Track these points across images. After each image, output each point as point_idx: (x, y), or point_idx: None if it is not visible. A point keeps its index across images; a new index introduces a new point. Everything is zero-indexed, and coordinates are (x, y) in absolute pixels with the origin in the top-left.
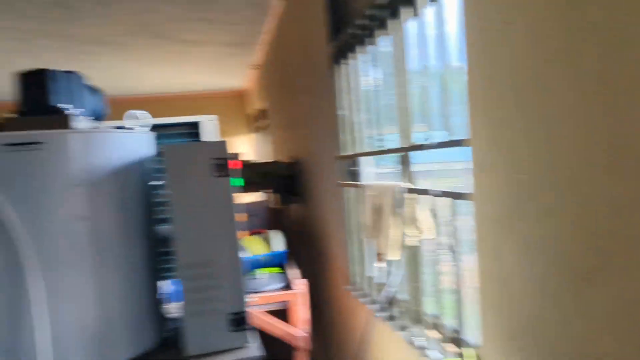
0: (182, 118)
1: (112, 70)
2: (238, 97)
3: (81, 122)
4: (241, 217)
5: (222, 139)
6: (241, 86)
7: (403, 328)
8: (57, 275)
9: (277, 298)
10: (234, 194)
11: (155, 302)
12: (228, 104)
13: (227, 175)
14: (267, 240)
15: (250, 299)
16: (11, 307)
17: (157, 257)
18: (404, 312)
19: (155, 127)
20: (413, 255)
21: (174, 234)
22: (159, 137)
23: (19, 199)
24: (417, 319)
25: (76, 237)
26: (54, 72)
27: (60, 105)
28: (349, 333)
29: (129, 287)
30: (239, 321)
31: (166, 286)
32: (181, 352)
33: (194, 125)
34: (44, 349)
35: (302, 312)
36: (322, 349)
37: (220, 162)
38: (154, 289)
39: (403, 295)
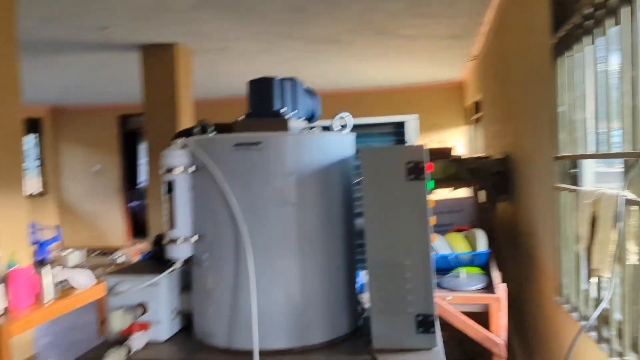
0: (386, 118)
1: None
2: (456, 89)
3: (296, 123)
4: (433, 220)
5: (420, 143)
6: (459, 78)
7: (618, 354)
8: (268, 258)
9: (476, 300)
10: (428, 197)
11: (352, 291)
12: (445, 96)
13: (422, 179)
14: (470, 239)
15: (448, 297)
16: (235, 279)
17: (355, 248)
18: (619, 335)
19: (359, 127)
20: (635, 274)
21: (365, 232)
22: (363, 137)
23: (241, 190)
24: (636, 345)
25: (286, 225)
26: (277, 79)
27: (280, 110)
28: (552, 347)
29: (329, 272)
30: (427, 324)
31: (361, 277)
32: (369, 344)
33: (399, 125)
34: (254, 321)
35: (500, 318)
36: (519, 358)
37: (416, 166)
38: (351, 279)
39: (619, 316)
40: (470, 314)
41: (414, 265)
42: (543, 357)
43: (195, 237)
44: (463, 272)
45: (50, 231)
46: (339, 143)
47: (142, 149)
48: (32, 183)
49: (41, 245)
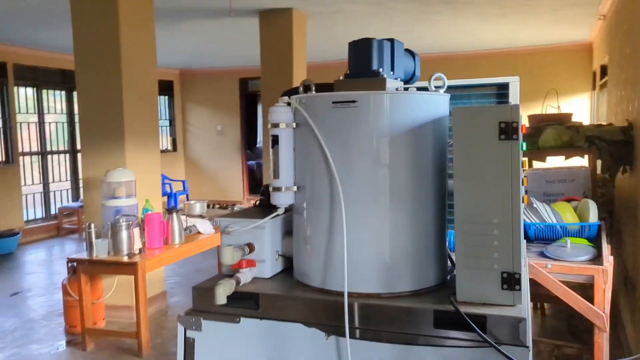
0: (487, 79)
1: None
2: (582, 51)
3: (394, 83)
4: (524, 181)
5: (516, 103)
6: (586, 39)
7: None
8: (360, 210)
9: (580, 270)
10: (522, 158)
11: (441, 247)
12: (570, 58)
13: (515, 140)
14: (581, 210)
15: (548, 264)
16: (329, 228)
17: (446, 208)
18: None
19: (458, 88)
20: None
21: (455, 189)
22: (464, 98)
23: (337, 145)
24: None
25: (377, 180)
26: (377, 40)
27: (379, 70)
28: None
29: (417, 228)
30: (512, 281)
31: (451, 235)
32: (453, 295)
33: (502, 87)
34: (345, 266)
35: (605, 290)
36: (618, 326)
37: (508, 126)
38: (441, 236)
39: None
40: (575, 287)
41: (502, 224)
42: None
43: (295, 188)
44: (569, 242)
45: (179, 184)
46: (433, 103)
47: (261, 111)
48: (164, 140)
49: (170, 197)
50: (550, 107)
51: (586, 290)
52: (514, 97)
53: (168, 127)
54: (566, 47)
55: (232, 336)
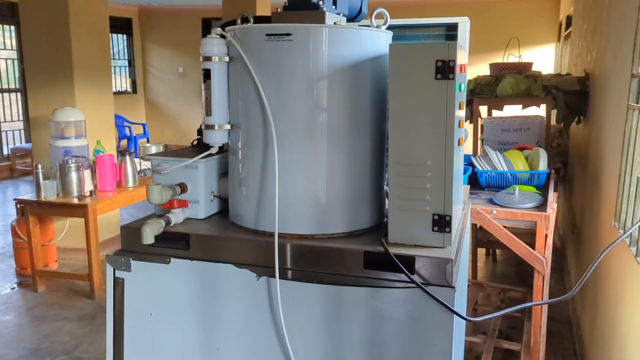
0: (435, 19)
1: None
2: (550, 1)
3: (335, 18)
4: (461, 123)
5: (454, 41)
6: None
7: None
8: (294, 149)
9: (524, 216)
10: (459, 100)
11: (377, 190)
12: (537, 8)
13: (452, 79)
14: (532, 158)
15: (493, 210)
16: (262, 167)
17: (384, 151)
18: None
19: (405, 28)
20: None
21: (389, 129)
22: (411, 39)
23: (271, 82)
24: None
25: (313, 119)
26: None
27: (319, 2)
28: (601, 271)
29: (353, 170)
30: (442, 223)
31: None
32: (385, 237)
33: (451, 28)
34: (276, 206)
35: (546, 236)
36: (561, 275)
37: (446, 64)
38: (377, 179)
39: None
40: (524, 233)
41: (434, 166)
42: (595, 282)
43: (229, 126)
44: (517, 189)
45: (139, 127)
46: (373, 39)
47: None
48: (122, 81)
49: (130, 140)
50: (512, 57)
51: (534, 237)
52: (462, 39)
53: (127, 68)
54: None
55: (162, 277)
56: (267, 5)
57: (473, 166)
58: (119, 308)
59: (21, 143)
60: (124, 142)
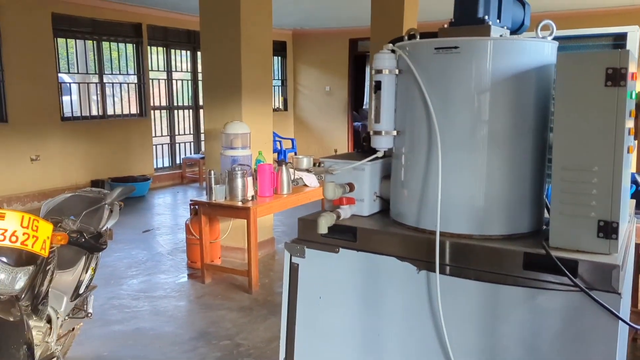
0: (601, 29)
1: None
2: None
3: (499, 31)
4: (631, 130)
5: (627, 49)
6: None
7: None
8: (457, 154)
9: None
10: (629, 108)
11: (537, 196)
12: None
13: (623, 86)
14: None
15: None
16: (425, 170)
17: (545, 159)
18: None
19: (571, 39)
20: None
21: (555, 134)
22: (577, 49)
23: (438, 92)
24: None
25: (476, 125)
26: None
27: (484, 17)
28: None
29: (514, 177)
30: (609, 229)
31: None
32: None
33: (619, 37)
34: (438, 207)
35: None
36: None
37: (617, 71)
38: (537, 185)
39: None
40: None
41: (602, 172)
42: None
43: (395, 132)
44: None
45: (288, 142)
46: (538, 50)
47: (369, 72)
48: (276, 100)
49: (280, 153)
50: None
51: None
52: (632, 49)
53: (280, 87)
54: None
55: (331, 265)
56: (414, 25)
57: (637, 185)
58: (293, 290)
59: (191, 154)
60: (275, 156)
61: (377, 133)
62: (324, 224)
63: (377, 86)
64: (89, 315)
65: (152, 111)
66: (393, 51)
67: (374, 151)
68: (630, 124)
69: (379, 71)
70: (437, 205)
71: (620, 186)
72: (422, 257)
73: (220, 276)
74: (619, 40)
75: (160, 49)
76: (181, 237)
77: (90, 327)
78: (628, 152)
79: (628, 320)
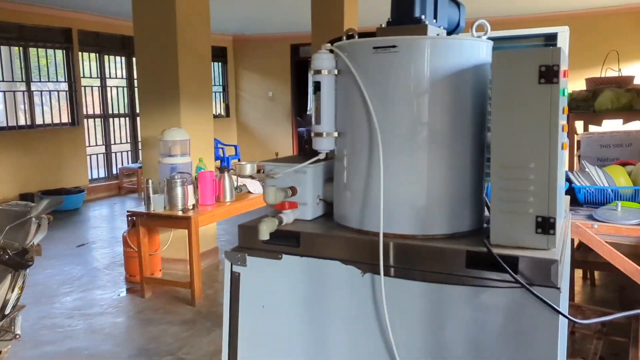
0: (533, 30)
1: None
2: None
3: (436, 31)
4: (564, 127)
5: (558, 47)
6: None
7: None
8: (398, 154)
9: (628, 231)
10: (562, 105)
11: (477, 194)
12: (635, 21)
13: (556, 83)
14: (636, 173)
15: (594, 225)
16: (367, 172)
17: (484, 157)
18: None
19: (504, 40)
20: None
21: (492, 133)
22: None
23: (377, 92)
24: None
25: (416, 125)
26: None
27: (421, 17)
28: None
29: (454, 176)
30: (547, 225)
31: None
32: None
33: (550, 38)
34: (381, 208)
35: None
36: None
37: (550, 68)
38: (477, 184)
39: None
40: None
41: (538, 169)
42: None
43: (336, 134)
44: (619, 205)
45: (231, 149)
46: (474, 49)
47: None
48: (217, 106)
49: (223, 161)
50: (610, 71)
51: (638, 258)
52: (563, 48)
53: (221, 93)
54: (630, 9)
55: (274, 272)
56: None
57: (570, 182)
58: (235, 300)
59: (128, 163)
60: (217, 163)
61: (318, 135)
62: (265, 230)
63: (317, 87)
64: (17, 337)
65: (85, 120)
66: (332, 51)
67: (317, 154)
68: (563, 121)
69: (317, 72)
70: (379, 207)
71: (556, 182)
72: (366, 259)
73: (161, 289)
74: (550, 41)
75: (92, 55)
76: (119, 251)
77: (19, 350)
78: (562, 148)
79: (567, 314)
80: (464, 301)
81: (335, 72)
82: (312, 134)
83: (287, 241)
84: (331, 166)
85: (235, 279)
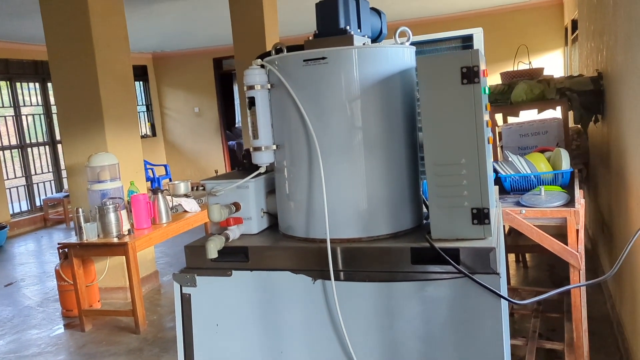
0: (450, 33)
1: None
2: (553, 7)
3: (361, 40)
4: (489, 122)
5: (476, 48)
6: None
7: None
8: (336, 162)
9: (553, 213)
10: (484, 102)
11: (415, 193)
12: (541, 15)
13: (478, 83)
14: (554, 159)
15: (522, 210)
16: (309, 181)
17: (417, 157)
18: None
19: (425, 43)
20: None
21: (423, 134)
22: (431, 53)
23: (311, 103)
24: None
25: (351, 133)
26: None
27: (346, 27)
28: (637, 264)
29: (392, 178)
30: (481, 216)
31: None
32: (428, 234)
33: (467, 39)
34: (325, 215)
35: (578, 231)
36: (598, 270)
37: (470, 70)
38: (414, 183)
39: None
40: (553, 235)
41: (469, 163)
42: (632, 276)
43: (274, 147)
44: (543, 190)
45: (161, 169)
46: (399, 55)
47: (237, 90)
48: (143, 126)
49: (154, 181)
50: (522, 64)
51: (564, 238)
52: (480, 48)
53: (145, 113)
54: (536, 5)
55: (225, 289)
56: (276, 39)
57: (496, 172)
58: (188, 322)
59: (52, 193)
60: (149, 184)
61: (257, 149)
62: (213, 248)
63: (251, 102)
64: None
65: (0, 151)
66: (262, 66)
67: (256, 168)
68: (486, 117)
69: (251, 87)
70: (324, 214)
71: (486, 175)
72: (315, 266)
73: (102, 321)
74: (467, 42)
75: (3, 83)
76: (51, 286)
77: None
78: (488, 142)
79: (507, 297)
80: (412, 296)
81: (268, 86)
82: (251, 149)
83: (235, 257)
84: (272, 178)
85: (186, 300)
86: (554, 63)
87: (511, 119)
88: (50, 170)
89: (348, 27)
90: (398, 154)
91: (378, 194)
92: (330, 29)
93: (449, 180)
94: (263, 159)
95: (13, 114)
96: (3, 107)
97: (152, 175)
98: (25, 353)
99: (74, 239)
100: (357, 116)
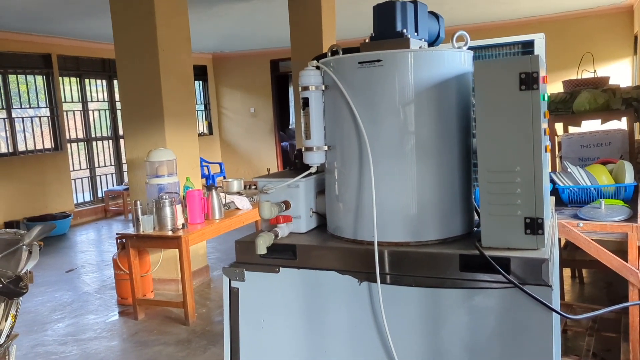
0: (511, 38)
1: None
2: (622, 14)
3: (418, 44)
4: (547, 130)
5: (536, 54)
6: (626, 2)
7: None
8: (388, 164)
9: (613, 228)
10: (543, 109)
11: (466, 199)
12: (609, 23)
13: (536, 89)
14: (617, 172)
15: (580, 223)
16: (359, 183)
17: (470, 163)
18: None
19: (484, 48)
20: None
21: (477, 140)
22: (485, 58)
23: (364, 105)
24: None
25: (404, 136)
26: (401, 2)
27: (403, 31)
28: None
29: (443, 183)
30: (535, 226)
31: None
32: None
33: (528, 45)
34: (374, 218)
35: (639, 248)
36: None
37: (529, 75)
38: (466, 189)
39: None
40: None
41: (524, 172)
42: None
43: (326, 147)
44: (603, 203)
45: (216, 166)
46: (456, 59)
47: (292, 92)
48: (200, 125)
49: (209, 178)
50: (586, 72)
51: (624, 254)
52: (540, 55)
53: (203, 112)
54: (604, 11)
55: (272, 285)
56: (333, 43)
57: (554, 183)
58: (235, 315)
59: (113, 186)
60: (204, 181)
61: (309, 149)
62: (262, 245)
63: (305, 103)
64: None
65: (68, 144)
66: (317, 67)
67: (307, 167)
68: (545, 124)
69: (305, 88)
70: (372, 216)
71: (542, 184)
72: (362, 268)
73: (154, 310)
74: (528, 48)
75: (73, 79)
76: (109, 274)
77: None
78: (545, 151)
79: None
80: (460, 304)
81: (323, 87)
82: (303, 149)
83: (283, 254)
84: (322, 179)
85: (234, 294)
86: (620, 72)
87: (572, 129)
88: (112, 163)
89: (405, 30)
90: (451, 159)
91: (428, 199)
92: (386, 31)
93: (502, 188)
94: (314, 159)
95: (81, 109)
96: (73, 102)
97: (207, 172)
98: (82, 337)
99: (131, 230)
100: (411, 120)
